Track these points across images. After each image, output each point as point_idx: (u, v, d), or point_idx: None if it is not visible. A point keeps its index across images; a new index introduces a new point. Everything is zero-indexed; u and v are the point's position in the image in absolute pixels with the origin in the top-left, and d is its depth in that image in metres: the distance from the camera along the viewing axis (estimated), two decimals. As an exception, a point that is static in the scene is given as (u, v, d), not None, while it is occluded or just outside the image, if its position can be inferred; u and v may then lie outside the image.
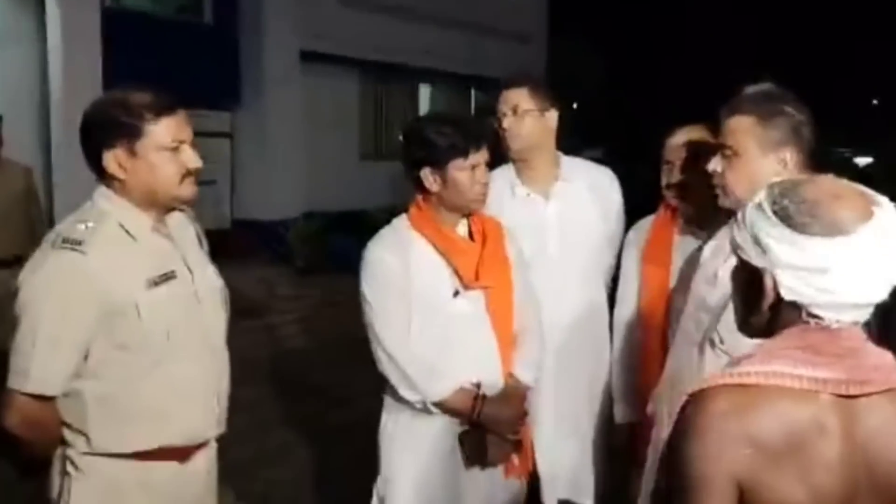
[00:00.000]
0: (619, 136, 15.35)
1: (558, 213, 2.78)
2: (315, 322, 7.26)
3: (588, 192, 2.84)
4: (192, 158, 1.92)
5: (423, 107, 12.90)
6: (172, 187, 1.91)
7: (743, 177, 1.89)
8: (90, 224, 1.84)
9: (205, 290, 2.03)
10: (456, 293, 2.34)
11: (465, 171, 2.27)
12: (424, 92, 12.93)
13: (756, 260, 1.20)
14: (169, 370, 1.90)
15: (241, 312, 6.99)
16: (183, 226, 2.07)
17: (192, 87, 9.24)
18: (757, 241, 1.19)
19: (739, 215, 1.24)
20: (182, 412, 1.95)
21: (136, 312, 1.83)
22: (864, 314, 1.19)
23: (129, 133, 1.85)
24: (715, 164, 1.94)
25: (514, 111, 2.74)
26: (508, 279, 2.43)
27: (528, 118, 2.75)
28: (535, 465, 2.63)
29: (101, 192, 1.92)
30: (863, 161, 25.15)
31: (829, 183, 1.19)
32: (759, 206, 1.20)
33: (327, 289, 8.35)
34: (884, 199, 1.19)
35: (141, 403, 1.88)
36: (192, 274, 1.99)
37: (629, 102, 18.41)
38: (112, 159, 1.86)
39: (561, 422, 2.79)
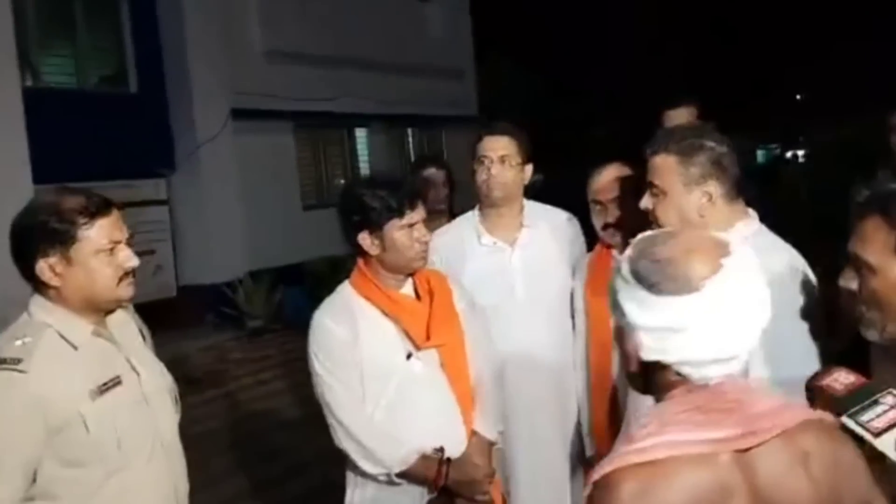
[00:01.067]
0: (554, 162, 15.54)
1: (524, 260, 2.78)
2: (271, 384, 7.10)
3: (550, 236, 2.86)
4: (128, 258, 1.87)
5: (362, 150, 12.89)
6: (111, 290, 1.86)
7: (672, 213, 1.91)
8: (27, 339, 1.78)
9: (153, 390, 1.96)
10: (409, 355, 2.29)
11: (403, 230, 2.25)
12: (361, 135, 12.92)
13: (621, 321, 1.21)
14: (123, 479, 1.84)
15: (195, 383, 6.89)
16: (124, 322, 2.01)
17: (123, 158, 9.13)
18: (616, 305, 1.22)
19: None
20: None
21: (83, 426, 1.77)
22: (734, 366, 1.20)
23: (62, 240, 1.79)
24: (646, 202, 1.97)
25: (502, 160, 2.75)
26: (460, 334, 2.39)
27: (512, 168, 2.77)
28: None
29: (37, 301, 1.85)
30: (792, 154, 26.01)
31: (685, 238, 1.21)
32: (619, 269, 1.23)
33: (281, 348, 8.22)
34: (738, 249, 1.20)
35: None
36: (138, 376, 1.93)
37: (561, 127, 18.69)
38: (46, 268, 1.80)
39: (536, 469, 2.75)
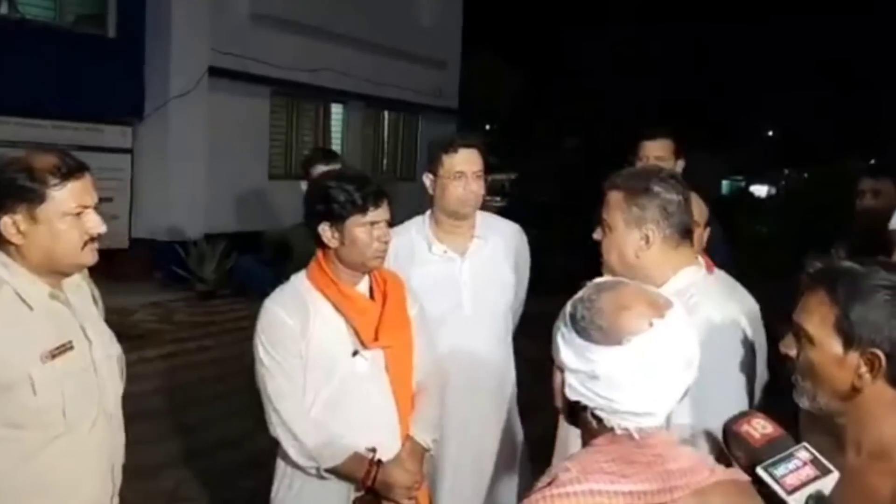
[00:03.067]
0: (532, 160, 15.61)
1: (472, 271, 2.78)
2: (213, 351, 7.02)
3: (500, 247, 2.86)
4: (96, 224, 1.85)
5: (336, 127, 12.79)
6: (74, 254, 1.83)
7: (613, 249, 1.94)
8: None
9: (102, 359, 1.94)
10: (355, 353, 2.29)
11: (364, 227, 2.24)
12: (337, 111, 12.81)
13: (554, 356, 1.28)
14: (63, 446, 1.82)
15: (135, 339, 6.78)
16: (79, 287, 1.98)
17: (91, 101, 8.94)
18: (553, 340, 1.28)
19: None
20: (77, 489, 1.87)
21: (30, 388, 1.74)
22: (651, 421, 1.24)
23: (30, 198, 1.76)
24: (597, 234, 1.99)
25: (476, 175, 2.74)
26: (409, 338, 2.40)
27: (482, 180, 2.77)
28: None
29: None
30: (757, 190, 26.40)
31: (625, 293, 1.26)
32: (564, 309, 1.29)
33: (227, 315, 8.13)
34: (673, 312, 1.24)
35: (33, 482, 1.79)
36: (90, 343, 1.90)
37: (542, 125, 18.76)
38: (10, 224, 1.77)
39: (463, 479, 2.75)
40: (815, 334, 1.46)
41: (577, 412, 1.28)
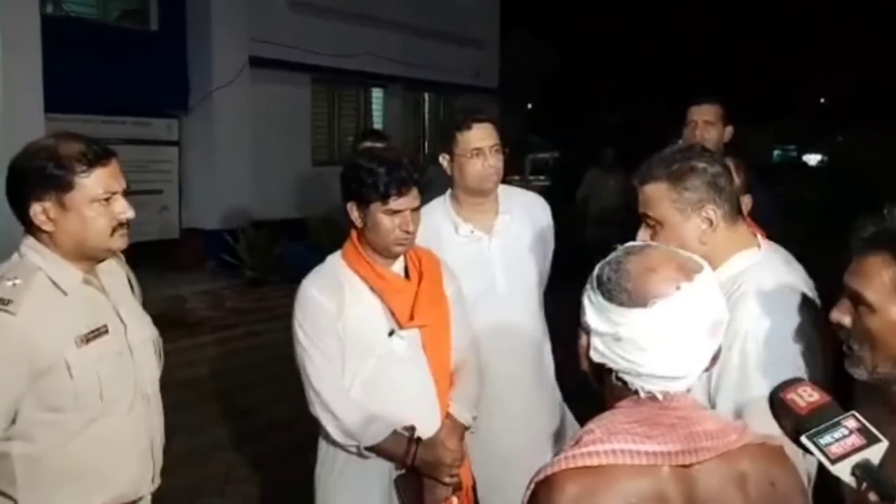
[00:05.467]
0: (572, 138, 15.47)
1: (502, 249, 2.74)
2: (264, 336, 7.14)
3: (526, 220, 2.83)
4: (124, 209, 1.86)
5: (377, 111, 12.82)
6: (104, 240, 1.85)
7: (670, 243, 1.76)
8: (18, 281, 1.77)
9: (138, 342, 1.97)
10: (391, 333, 2.30)
11: (387, 214, 2.23)
12: (377, 96, 12.85)
13: (580, 318, 1.27)
14: (102, 428, 1.85)
15: (189, 327, 6.93)
16: (114, 271, 2.01)
17: (137, 95, 9.11)
18: (580, 303, 1.27)
19: None
20: (117, 471, 1.89)
21: (67, 372, 1.77)
22: (676, 385, 1.22)
23: (58, 185, 1.78)
24: (642, 236, 1.82)
25: (494, 150, 2.70)
26: (445, 317, 2.40)
27: (501, 154, 2.73)
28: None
29: (30, 244, 1.84)
30: (811, 159, 25.71)
31: (653, 256, 1.24)
32: (592, 272, 1.27)
33: (277, 301, 8.24)
34: (702, 276, 1.21)
35: (73, 464, 1.82)
36: (125, 326, 1.93)
37: (582, 103, 18.55)
38: (40, 212, 1.79)
39: (510, 456, 2.71)
40: (875, 301, 1.40)
41: (601, 375, 1.28)
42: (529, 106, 22.43)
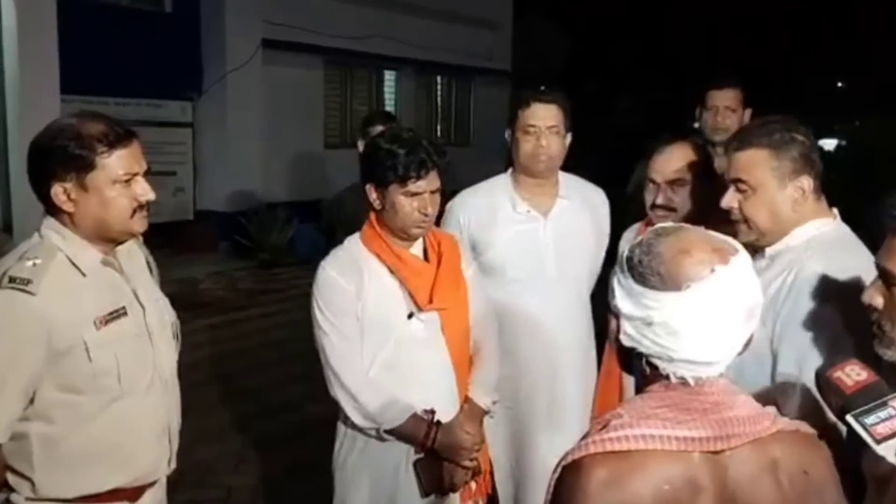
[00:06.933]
0: (587, 122, 15.36)
1: (555, 233, 2.72)
2: (276, 317, 7.16)
3: (583, 209, 2.81)
4: (145, 191, 1.84)
5: (389, 94, 12.78)
6: (124, 221, 1.83)
7: (762, 208, 1.86)
8: (38, 261, 1.75)
9: (156, 324, 1.96)
10: (410, 315, 2.29)
11: (406, 196, 2.21)
12: (390, 78, 12.80)
13: (610, 302, 1.25)
14: (120, 410, 1.84)
15: (202, 308, 6.96)
16: (133, 253, 2.00)
17: (151, 77, 9.11)
18: (610, 285, 1.25)
19: None
20: (134, 453, 1.89)
21: (85, 353, 1.77)
22: (708, 370, 1.19)
23: (79, 166, 1.76)
24: (730, 201, 1.89)
25: (552, 130, 2.66)
26: (464, 300, 2.39)
27: (561, 139, 2.70)
28: (494, 488, 2.61)
29: (50, 224, 1.83)
30: (827, 143, 25.46)
31: (687, 237, 1.20)
32: (622, 253, 1.24)
33: (290, 283, 8.27)
34: (738, 259, 1.18)
35: (91, 445, 1.82)
36: (143, 309, 1.92)
37: (596, 86, 18.39)
38: (60, 192, 1.77)
39: (556, 439, 2.68)
40: None
41: (632, 359, 1.25)
42: (542, 88, 22.23)
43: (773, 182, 1.84)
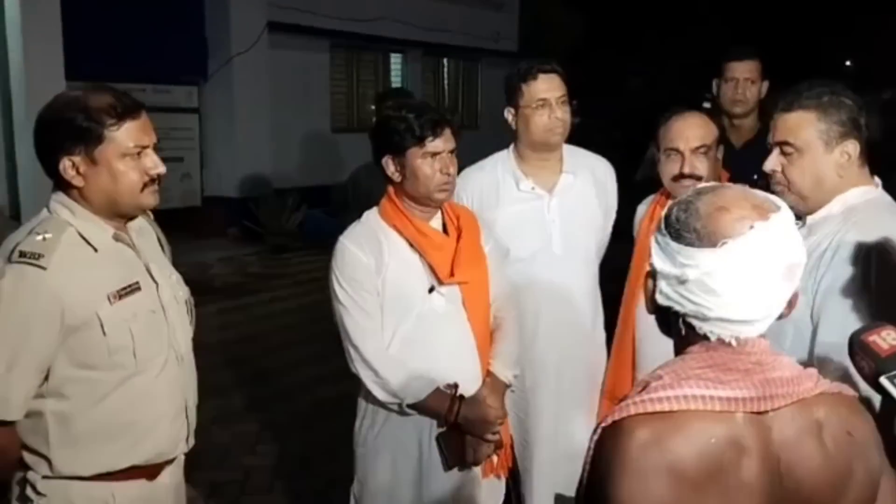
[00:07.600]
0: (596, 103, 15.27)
1: (561, 209, 2.67)
2: (287, 302, 7.13)
3: (589, 182, 2.75)
4: (155, 164, 1.80)
5: (396, 77, 12.70)
6: (135, 195, 1.79)
7: (808, 174, 1.84)
8: (48, 235, 1.72)
9: (170, 300, 1.93)
10: (431, 289, 2.27)
11: (425, 158, 2.18)
12: (396, 61, 12.72)
13: (649, 263, 1.23)
14: (136, 387, 1.81)
15: (213, 293, 6.96)
16: (145, 231, 1.96)
17: (157, 62, 9.05)
18: (651, 246, 1.23)
19: None
20: (151, 430, 1.86)
21: (99, 328, 1.74)
22: (747, 330, 1.17)
23: (88, 139, 1.72)
24: (773, 164, 1.87)
25: (561, 101, 2.61)
26: (485, 273, 2.37)
27: (569, 109, 2.65)
28: (515, 462, 2.59)
29: (59, 198, 1.79)
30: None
31: (727, 195, 1.18)
32: (662, 213, 1.22)
33: (300, 267, 8.26)
34: (779, 216, 1.15)
35: (107, 422, 1.79)
36: (156, 285, 1.89)
37: (605, 67, 18.26)
38: (69, 166, 1.73)
39: (561, 416, 2.72)
40: None
41: (668, 319, 1.23)
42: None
43: (819, 145, 1.82)
